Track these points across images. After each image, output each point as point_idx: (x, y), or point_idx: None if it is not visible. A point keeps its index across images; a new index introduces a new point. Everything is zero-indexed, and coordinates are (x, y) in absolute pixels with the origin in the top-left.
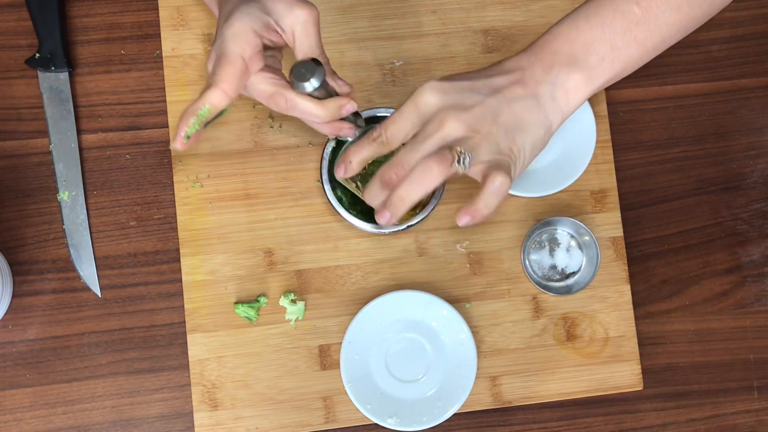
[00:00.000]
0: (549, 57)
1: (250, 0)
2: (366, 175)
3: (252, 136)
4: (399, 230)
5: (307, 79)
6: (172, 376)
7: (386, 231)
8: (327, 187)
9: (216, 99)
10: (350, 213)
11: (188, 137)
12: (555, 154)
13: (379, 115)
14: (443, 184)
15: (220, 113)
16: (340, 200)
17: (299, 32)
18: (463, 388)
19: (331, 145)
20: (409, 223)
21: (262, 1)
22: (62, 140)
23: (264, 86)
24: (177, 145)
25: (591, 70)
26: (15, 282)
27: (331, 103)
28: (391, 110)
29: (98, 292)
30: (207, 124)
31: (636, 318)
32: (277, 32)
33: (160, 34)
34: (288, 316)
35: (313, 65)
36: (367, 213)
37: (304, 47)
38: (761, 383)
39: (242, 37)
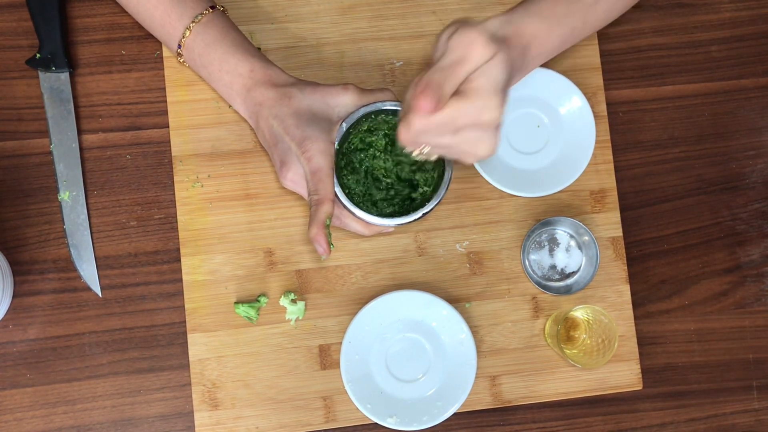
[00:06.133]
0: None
1: (317, 115)
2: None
3: (252, 136)
4: (410, 221)
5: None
6: (173, 376)
7: (396, 223)
8: (337, 189)
9: (330, 209)
10: (360, 208)
11: (331, 244)
12: (555, 154)
13: (385, 108)
14: (450, 177)
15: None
16: (350, 197)
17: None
18: (462, 388)
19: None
20: (424, 210)
21: (325, 99)
22: (63, 140)
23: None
24: (326, 255)
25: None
26: (15, 282)
27: (376, 229)
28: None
29: (99, 292)
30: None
31: (635, 318)
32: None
33: None
34: (288, 316)
35: None
36: (378, 209)
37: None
38: (760, 383)
39: (328, 152)
